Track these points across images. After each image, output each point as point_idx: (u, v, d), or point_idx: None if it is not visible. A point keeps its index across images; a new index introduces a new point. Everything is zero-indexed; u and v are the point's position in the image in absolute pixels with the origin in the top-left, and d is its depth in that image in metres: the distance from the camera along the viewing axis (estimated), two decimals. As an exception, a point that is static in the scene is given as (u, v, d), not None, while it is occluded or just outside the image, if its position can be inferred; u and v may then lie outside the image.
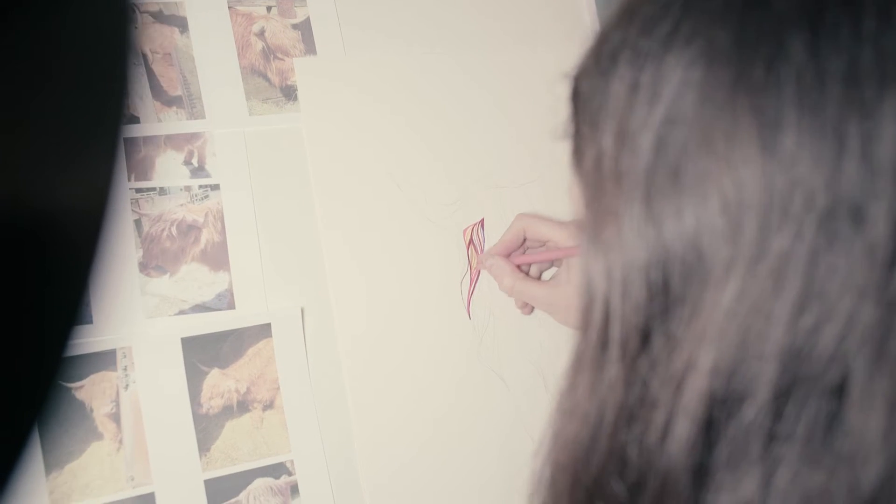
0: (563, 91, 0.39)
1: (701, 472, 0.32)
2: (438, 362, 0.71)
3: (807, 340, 0.30)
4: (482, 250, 0.73)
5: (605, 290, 0.34)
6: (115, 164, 0.19)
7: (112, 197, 0.19)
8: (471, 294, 0.73)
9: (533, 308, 0.73)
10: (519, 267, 0.70)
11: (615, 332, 0.34)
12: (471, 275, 0.73)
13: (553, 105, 0.74)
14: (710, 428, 0.32)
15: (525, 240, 0.71)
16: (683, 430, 0.32)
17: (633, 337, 0.34)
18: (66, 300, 0.18)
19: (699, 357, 0.31)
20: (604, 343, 0.35)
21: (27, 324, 0.17)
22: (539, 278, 0.73)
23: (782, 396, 0.30)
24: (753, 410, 0.31)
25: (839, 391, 0.30)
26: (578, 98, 0.37)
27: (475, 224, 0.74)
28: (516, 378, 0.73)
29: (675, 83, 0.32)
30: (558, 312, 0.69)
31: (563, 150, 0.76)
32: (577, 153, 0.38)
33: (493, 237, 0.74)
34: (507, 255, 0.71)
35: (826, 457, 0.30)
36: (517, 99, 0.78)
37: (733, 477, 0.31)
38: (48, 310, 0.18)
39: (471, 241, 0.73)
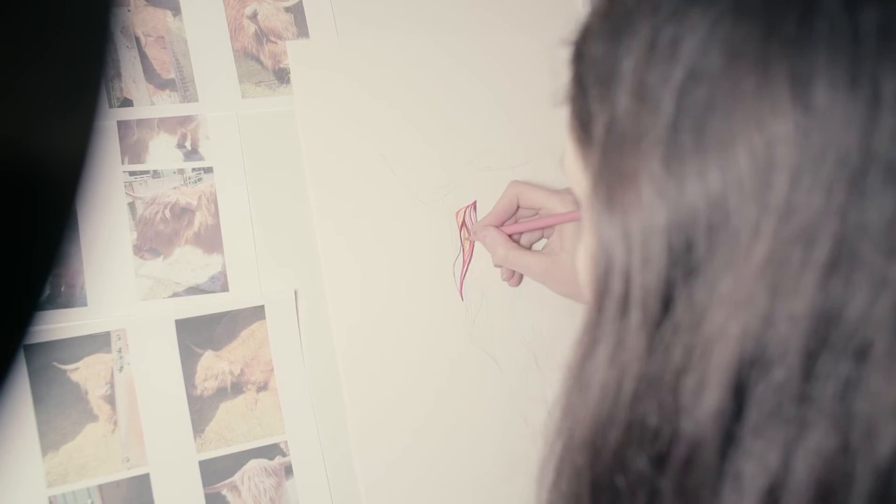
0: (564, 57, 0.38)
1: (728, 440, 0.32)
2: (431, 344, 0.71)
3: (837, 301, 0.29)
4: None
5: (624, 257, 0.33)
6: (97, 107, 0.19)
7: (94, 137, 0.19)
8: (463, 276, 0.73)
9: (521, 279, 0.73)
10: (511, 237, 0.70)
11: (636, 299, 0.33)
12: (463, 257, 0.73)
13: (545, 87, 0.74)
14: (738, 393, 0.31)
15: (518, 208, 0.71)
16: (713, 396, 0.31)
17: (654, 303, 0.33)
18: (51, 234, 0.18)
19: (728, 321, 0.31)
20: (623, 311, 0.34)
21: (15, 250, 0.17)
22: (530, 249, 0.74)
23: (812, 359, 0.30)
24: (783, 373, 0.30)
25: (864, 354, 0.29)
26: (584, 61, 0.36)
27: (467, 206, 0.74)
28: (509, 358, 0.73)
29: (698, 39, 0.31)
30: (552, 281, 0.68)
31: (555, 131, 0.76)
32: (581, 119, 0.37)
33: (485, 220, 0.74)
34: (500, 225, 0.71)
35: (846, 419, 0.30)
36: (509, 82, 0.78)
37: (759, 443, 0.31)
38: (35, 240, 0.18)
39: (463, 223, 0.73)
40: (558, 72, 0.38)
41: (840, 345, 0.29)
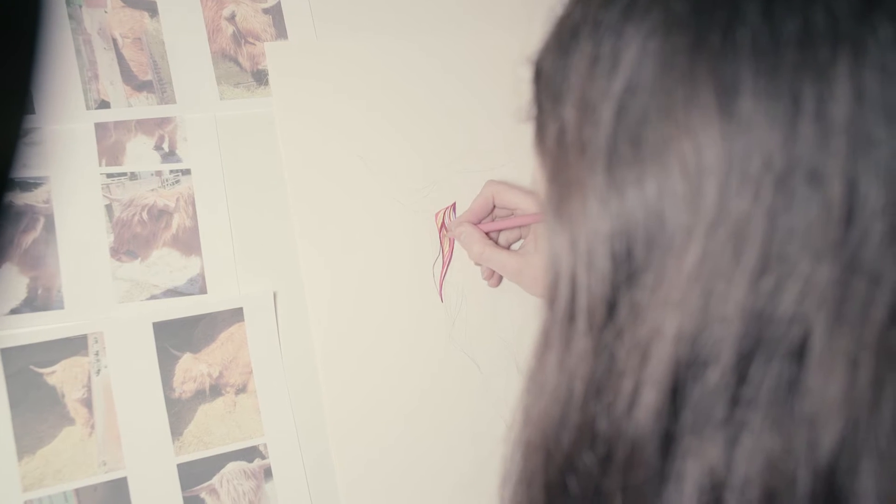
0: (526, 75, 0.39)
1: (668, 440, 0.32)
2: (411, 346, 0.71)
3: (768, 302, 0.30)
4: (454, 234, 0.74)
5: (571, 263, 0.34)
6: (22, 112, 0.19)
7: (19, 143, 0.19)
8: (443, 277, 0.73)
9: (501, 279, 0.74)
10: (488, 235, 0.71)
11: (581, 305, 0.34)
12: (443, 258, 0.73)
13: (520, 89, 0.74)
14: (675, 394, 0.32)
15: (494, 207, 0.72)
16: (650, 397, 0.32)
17: (599, 308, 0.34)
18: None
19: (663, 323, 0.31)
20: (571, 316, 0.35)
21: None
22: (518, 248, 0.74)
23: (745, 360, 0.30)
24: (717, 374, 0.31)
25: (800, 353, 0.30)
26: (541, 78, 0.37)
27: (447, 208, 0.74)
28: (489, 360, 0.73)
29: (634, 53, 0.32)
30: (526, 282, 0.69)
31: (531, 133, 0.77)
32: (540, 132, 0.38)
33: (465, 221, 0.74)
34: (477, 223, 0.71)
35: (787, 419, 0.30)
36: (488, 84, 0.78)
37: (699, 442, 0.32)
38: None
39: (443, 224, 0.73)
40: (522, 91, 0.40)
41: (773, 346, 0.30)
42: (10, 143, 0.20)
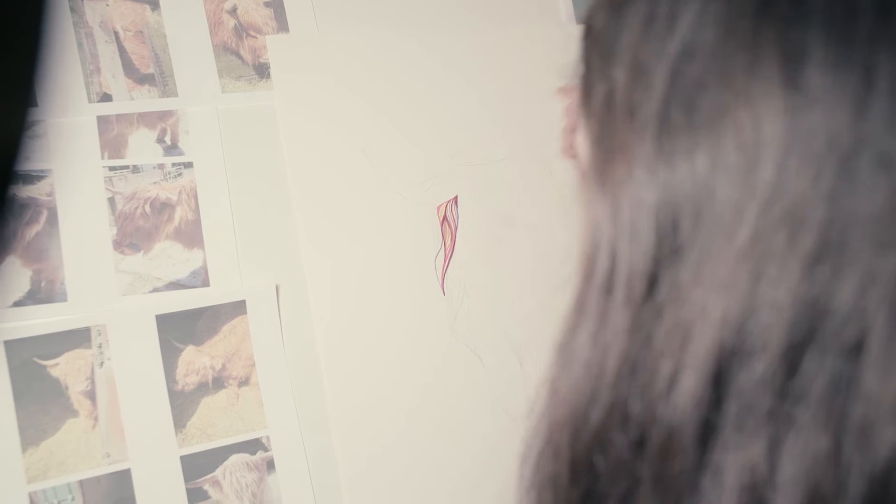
0: (576, 33, 0.37)
1: (707, 430, 0.31)
2: (413, 338, 0.71)
3: (823, 292, 0.28)
4: (456, 227, 0.74)
5: (612, 233, 0.32)
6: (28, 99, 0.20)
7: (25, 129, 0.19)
8: (445, 271, 0.73)
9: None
10: None
11: (621, 277, 0.32)
12: (445, 251, 0.73)
13: (526, 82, 0.74)
14: (718, 382, 0.30)
15: None
16: (690, 382, 0.30)
17: (639, 282, 0.32)
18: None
19: (708, 305, 0.30)
20: (608, 288, 0.33)
21: None
22: None
23: (796, 351, 0.29)
24: (765, 364, 0.29)
25: (857, 351, 0.28)
26: (591, 35, 0.35)
27: (449, 201, 0.74)
28: (490, 352, 0.73)
29: (693, 13, 0.30)
30: None
31: (535, 126, 0.77)
32: (587, 92, 0.36)
33: (466, 214, 0.74)
34: None
35: (839, 421, 0.28)
36: (490, 78, 0.78)
37: (741, 436, 0.30)
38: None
39: (444, 217, 0.74)
40: (569, 49, 0.38)
41: (828, 340, 0.28)
42: (15, 135, 0.20)
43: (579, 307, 0.35)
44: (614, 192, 0.32)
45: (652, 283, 0.32)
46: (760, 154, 0.28)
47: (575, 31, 0.81)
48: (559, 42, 0.81)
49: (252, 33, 0.73)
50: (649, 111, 0.31)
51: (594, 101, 0.34)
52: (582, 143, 0.37)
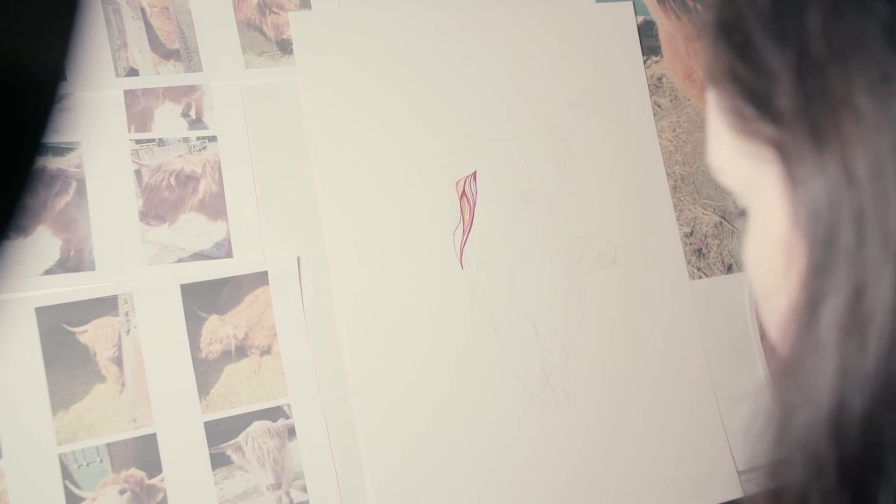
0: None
1: None
2: (430, 310, 0.73)
3: None
4: (475, 202, 0.75)
5: (854, 199, 0.29)
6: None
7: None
8: (463, 245, 0.74)
9: None
10: None
11: (875, 241, 0.29)
12: (463, 226, 0.74)
13: (544, 60, 0.74)
14: None
15: None
16: None
17: None
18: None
19: None
20: (860, 256, 0.29)
21: None
22: None
23: None
24: None
25: None
26: (744, 20, 0.33)
27: (468, 176, 0.75)
28: (507, 326, 0.74)
29: None
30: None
31: (553, 102, 0.77)
32: (749, 92, 0.33)
33: (485, 189, 0.75)
34: None
35: None
36: (508, 56, 0.79)
37: None
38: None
39: (463, 192, 0.75)
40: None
41: None
42: (48, 108, 0.21)
43: (816, 286, 0.31)
44: (841, 149, 0.29)
45: None
46: None
47: (594, 10, 0.82)
48: (578, 21, 0.82)
49: (275, 10, 0.74)
50: (866, 48, 0.28)
51: (777, 83, 0.31)
52: (734, 160, 0.34)
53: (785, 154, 0.32)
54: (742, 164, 0.34)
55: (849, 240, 0.29)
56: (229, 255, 0.69)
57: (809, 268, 0.31)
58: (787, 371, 0.32)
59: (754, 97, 0.33)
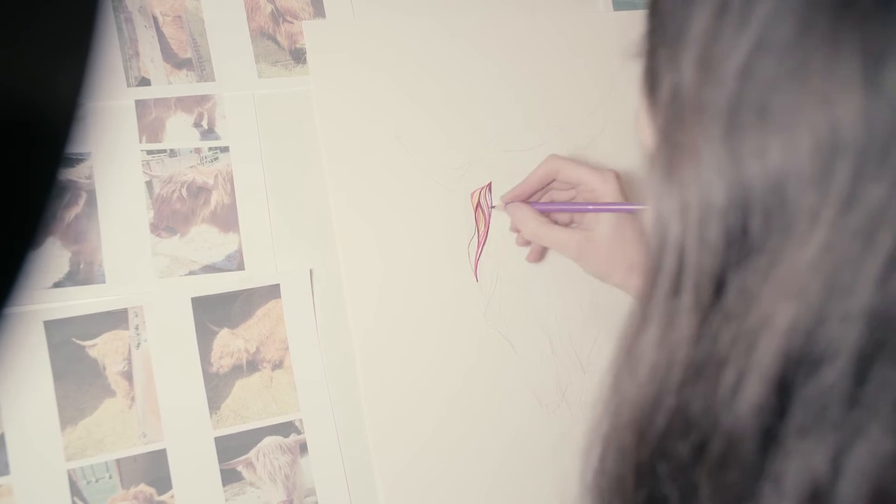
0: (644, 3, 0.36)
1: (769, 438, 0.30)
2: (445, 325, 0.71)
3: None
4: (490, 214, 0.74)
5: (680, 232, 0.31)
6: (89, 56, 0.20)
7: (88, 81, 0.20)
8: (478, 257, 0.73)
9: (542, 254, 0.73)
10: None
11: (689, 279, 0.31)
12: (478, 238, 0.73)
13: (560, 68, 0.74)
14: (782, 390, 0.29)
15: (552, 181, 0.70)
16: (753, 390, 0.29)
17: (707, 285, 0.31)
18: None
19: (776, 313, 0.29)
20: (676, 290, 0.32)
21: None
22: (569, 223, 0.72)
23: (866, 361, 0.28)
24: (833, 375, 0.28)
25: None
26: (657, 15, 0.34)
27: (483, 187, 0.74)
28: (523, 341, 0.73)
29: (770, 7, 0.28)
30: (586, 259, 0.67)
31: (569, 113, 0.76)
32: (651, 77, 0.35)
33: (500, 201, 0.74)
34: (529, 197, 0.70)
35: None
36: (524, 66, 0.78)
37: (804, 445, 0.29)
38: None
39: (478, 204, 0.73)
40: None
41: None
42: (68, 122, 0.20)
43: (645, 306, 0.34)
44: (682, 189, 0.31)
45: (720, 287, 0.31)
46: (836, 158, 0.27)
47: (612, 19, 0.81)
48: (595, 30, 0.80)
49: (289, 18, 0.73)
50: (719, 109, 0.30)
51: (660, 92, 0.33)
52: (646, 129, 0.36)
53: (653, 158, 0.34)
54: (650, 134, 0.36)
55: (669, 270, 0.32)
56: (241, 267, 0.68)
57: (644, 278, 0.34)
58: (616, 363, 0.36)
59: (651, 86, 0.35)
